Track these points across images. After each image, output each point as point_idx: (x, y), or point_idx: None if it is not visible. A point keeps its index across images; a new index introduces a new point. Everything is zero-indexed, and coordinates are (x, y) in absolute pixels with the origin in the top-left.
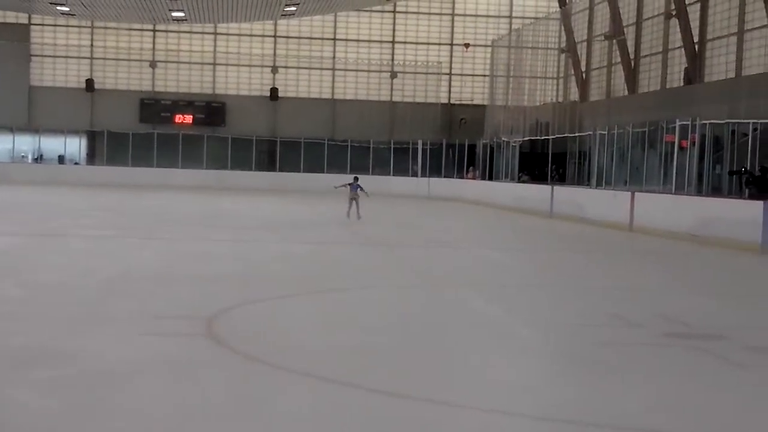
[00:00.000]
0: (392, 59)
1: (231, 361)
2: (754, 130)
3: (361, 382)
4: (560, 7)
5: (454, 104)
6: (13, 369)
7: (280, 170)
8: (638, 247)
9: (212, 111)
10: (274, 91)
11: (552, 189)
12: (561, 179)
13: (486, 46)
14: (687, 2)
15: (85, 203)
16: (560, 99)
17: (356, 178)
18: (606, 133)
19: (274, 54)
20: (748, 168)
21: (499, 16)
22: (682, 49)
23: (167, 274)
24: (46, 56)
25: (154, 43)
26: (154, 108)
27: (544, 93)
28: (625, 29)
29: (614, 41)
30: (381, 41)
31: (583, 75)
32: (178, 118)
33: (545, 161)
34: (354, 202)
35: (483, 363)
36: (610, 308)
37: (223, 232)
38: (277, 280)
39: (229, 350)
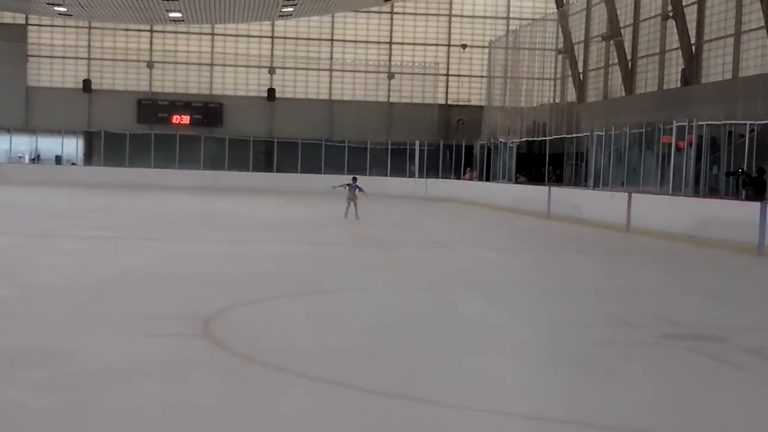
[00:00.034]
0: (389, 60)
1: (228, 362)
2: (751, 131)
3: (359, 383)
4: (557, 8)
5: (451, 105)
6: (10, 369)
7: (278, 171)
8: (635, 248)
9: (209, 111)
10: (271, 91)
11: (549, 190)
12: (558, 180)
13: (483, 47)
14: (684, 3)
15: (82, 204)
16: (557, 100)
17: (355, 179)
18: (603, 134)
19: (272, 55)
20: (745, 169)
21: (496, 17)
22: (679, 51)
23: (164, 274)
24: (43, 57)
25: (151, 43)
26: (152, 108)
27: (541, 94)
28: (622, 30)
29: (611, 42)
30: (378, 42)
31: (581, 76)
32: (176, 118)
33: (542, 162)
34: (352, 202)
35: (481, 364)
36: (607, 309)
37: (221, 233)
38: (275, 281)
39: (227, 351)
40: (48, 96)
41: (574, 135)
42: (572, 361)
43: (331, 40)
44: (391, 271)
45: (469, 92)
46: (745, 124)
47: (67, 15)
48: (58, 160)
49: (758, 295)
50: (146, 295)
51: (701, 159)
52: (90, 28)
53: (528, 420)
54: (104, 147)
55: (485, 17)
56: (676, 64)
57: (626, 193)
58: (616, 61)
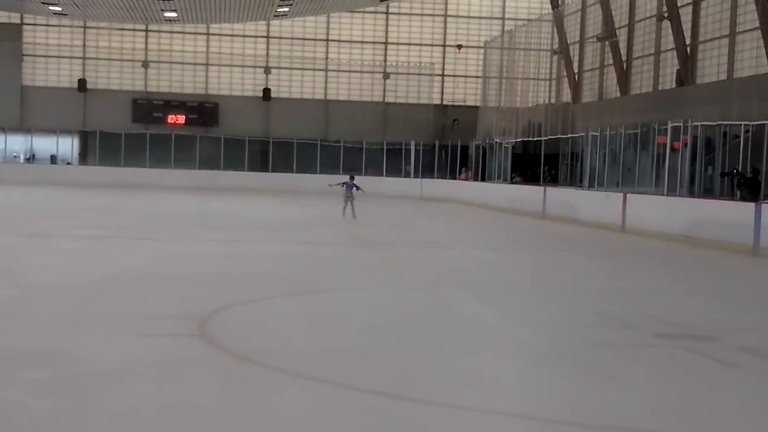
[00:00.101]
0: (385, 60)
1: (224, 362)
2: (746, 131)
3: (355, 383)
4: (553, 9)
5: (446, 105)
6: (5, 369)
7: (273, 171)
8: (630, 248)
9: (205, 111)
10: (266, 91)
11: (544, 190)
12: (553, 180)
13: (479, 47)
14: (679, 4)
15: (77, 203)
16: (553, 100)
17: (352, 177)
18: (598, 134)
19: (267, 54)
20: (740, 170)
21: (491, 18)
22: (674, 51)
23: (159, 274)
24: (38, 56)
25: (146, 43)
26: (147, 108)
27: (536, 94)
28: (617, 31)
29: (606, 43)
30: (374, 42)
31: (576, 76)
32: (171, 118)
33: (538, 162)
34: (349, 202)
35: (476, 364)
36: (602, 309)
37: (216, 233)
38: (270, 281)
39: (222, 351)
40: (43, 95)
41: (569, 135)
42: (567, 361)
43: (327, 40)
44: (386, 271)
45: (464, 92)
46: (740, 124)
47: (62, 14)
48: (53, 159)
49: (753, 296)
50: (141, 295)
51: (696, 159)
52: (85, 27)
53: (524, 420)
54: (99, 146)
55: (480, 18)
56: (671, 64)
57: (621, 194)
58: (611, 61)
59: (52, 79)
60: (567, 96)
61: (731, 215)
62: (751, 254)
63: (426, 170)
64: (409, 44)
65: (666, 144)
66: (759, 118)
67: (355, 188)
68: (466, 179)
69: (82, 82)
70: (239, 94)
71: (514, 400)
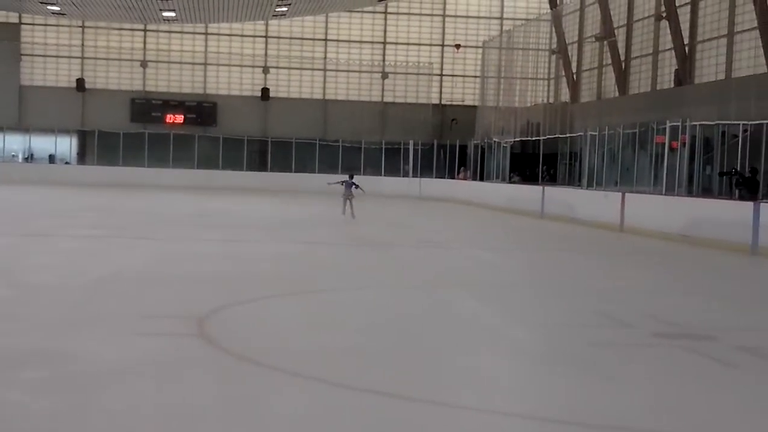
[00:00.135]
0: (383, 60)
1: (222, 362)
2: (744, 131)
3: (353, 382)
4: (551, 9)
5: (445, 105)
6: (4, 369)
7: (272, 170)
8: (629, 248)
9: (203, 111)
10: (265, 91)
11: (543, 189)
12: (552, 180)
13: (477, 47)
14: (677, 4)
15: (76, 203)
16: (551, 100)
17: (351, 176)
18: (597, 134)
19: (266, 54)
20: (738, 169)
21: (490, 17)
22: (673, 51)
23: (158, 273)
24: (36, 56)
25: (144, 42)
26: (145, 108)
27: (535, 94)
28: (615, 31)
29: (605, 43)
30: (372, 42)
31: (574, 76)
32: (169, 117)
33: (536, 162)
34: (349, 201)
35: (474, 363)
36: (600, 308)
37: (214, 232)
38: (269, 280)
39: (221, 350)
40: (41, 95)
41: (567, 135)
42: (566, 360)
43: (325, 39)
44: (385, 271)
45: (462, 92)
46: (738, 124)
47: (60, 14)
48: (52, 159)
49: (752, 295)
50: (140, 295)
51: (694, 159)
52: (83, 27)
53: (522, 419)
54: (98, 146)
55: (479, 17)
56: (669, 64)
57: (620, 193)
58: (609, 61)
59: (50, 79)
60: (565, 96)
61: (730, 215)
62: (750, 253)
63: (424, 170)
64: (408, 44)
65: (664, 143)
66: (757, 118)
67: (354, 186)
68: (465, 179)
69: (80, 82)
70: (238, 93)
71: (513, 399)
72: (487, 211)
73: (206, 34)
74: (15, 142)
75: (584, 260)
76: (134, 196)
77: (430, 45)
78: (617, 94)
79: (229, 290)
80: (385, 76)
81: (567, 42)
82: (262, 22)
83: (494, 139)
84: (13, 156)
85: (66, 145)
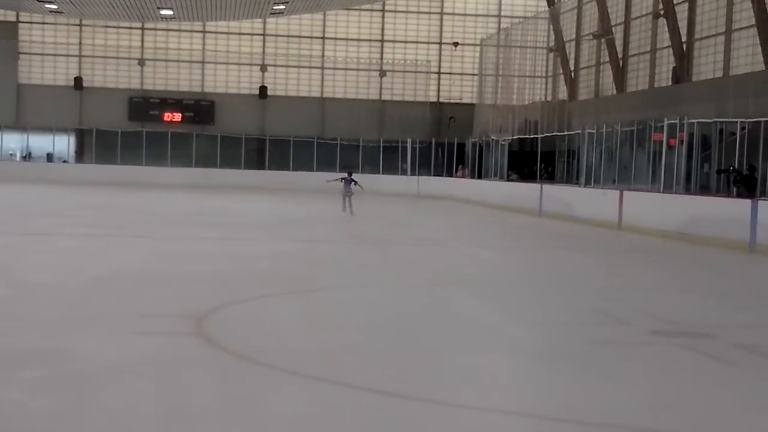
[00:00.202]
0: (381, 58)
1: (221, 360)
2: (742, 129)
3: (352, 381)
4: (549, 7)
5: (443, 103)
6: (2, 368)
7: (270, 168)
8: (626, 245)
9: (201, 109)
10: (263, 89)
11: (541, 187)
12: (550, 178)
13: (475, 45)
14: (675, 2)
15: (74, 201)
16: (549, 98)
17: (350, 173)
18: (594, 131)
19: (263, 52)
20: (736, 167)
21: (487, 15)
22: (670, 49)
23: (156, 272)
24: (34, 54)
25: (142, 41)
26: (143, 106)
27: (532, 92)
28: (613, 28)
29: (603, 40)
30: (370, 40)
31: (572, 74)
32: (167, 116)
33: (534, 160)
34: (348, 198)
35: (474, 361)
36: (599, 306)
37: (213, 231)
38: (267, 279)
39: (219, 349)
40: (39, 93)
41: (565, 133)
42: (564, 358)
43: (323, 37)
44: (383, 269)
45: (460, 90)
46: (736, 121)
47: (58, 12)
48: (50, 157)
49: (749, 293)
50: (138, 293)
51: (692, 157)
52: (81, 25)
53: (521, 417)
54: (96, 144)
55: (477, 15)
56: (667, 62)
57: (618, 191)
58: (607, 59)
59: (48, 77)
60: (563, 93)
61: (727, 212)
62: (748, 251)
63: (422, 168)
64: (406, 42)
65: (662, 141)
66: (755, 115)
67: (353, 183)
68: (463, 177)
69: (78, 80)
70: (235, 91)
71: (511, 397)
72: (485, 209)
73: (204, 32)
74: (13, 141)
75: (582, 258)
76: (132, 195)
77: (428, 43)
78: (615, 91)
79: (227, 289)
80: (382, 74)
81: (565, 40)
82: (260, 20)
83: (492, 137)
84: (11, 155)
85: (64, 144)
